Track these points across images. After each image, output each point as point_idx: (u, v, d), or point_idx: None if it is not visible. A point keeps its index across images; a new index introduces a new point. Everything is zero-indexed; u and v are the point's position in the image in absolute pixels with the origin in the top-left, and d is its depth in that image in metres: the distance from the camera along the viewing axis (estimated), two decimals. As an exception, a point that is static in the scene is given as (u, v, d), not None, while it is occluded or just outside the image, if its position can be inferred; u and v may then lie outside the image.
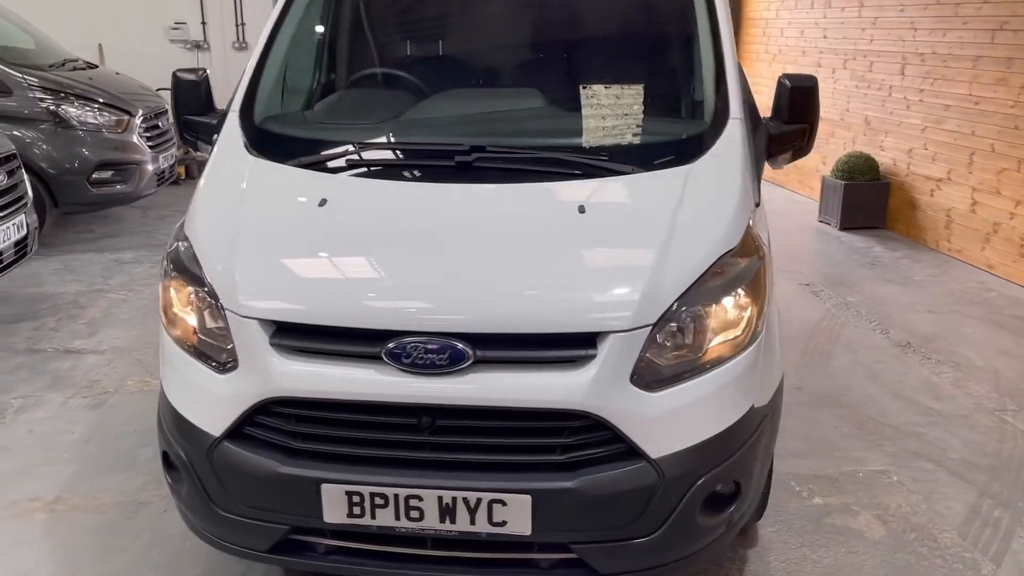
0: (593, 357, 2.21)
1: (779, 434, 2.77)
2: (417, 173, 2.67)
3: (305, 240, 2.45)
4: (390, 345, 2.20)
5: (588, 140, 2.78)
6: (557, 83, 3.23)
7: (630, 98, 2.88)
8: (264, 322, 2.30)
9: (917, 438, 3.90)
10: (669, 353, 2.29)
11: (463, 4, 3.60)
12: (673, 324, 2.28)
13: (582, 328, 2.23)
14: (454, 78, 3.34)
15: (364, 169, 2.70)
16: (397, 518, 2.26)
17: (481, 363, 2.21)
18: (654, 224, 2.43)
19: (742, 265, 2.44)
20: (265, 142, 2.82)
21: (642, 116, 2.92)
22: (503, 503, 2.22)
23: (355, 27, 3.53)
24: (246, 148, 2.79)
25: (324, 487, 2.25)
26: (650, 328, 2.24)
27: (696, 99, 2.94)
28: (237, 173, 2.74)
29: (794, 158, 3.17)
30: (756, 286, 2.46)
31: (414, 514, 2.25)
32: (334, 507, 2.26)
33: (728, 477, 2.39)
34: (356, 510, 2.26)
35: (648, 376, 2.26)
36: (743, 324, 2.40)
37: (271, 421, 2.30)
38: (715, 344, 2.34)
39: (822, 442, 3.86)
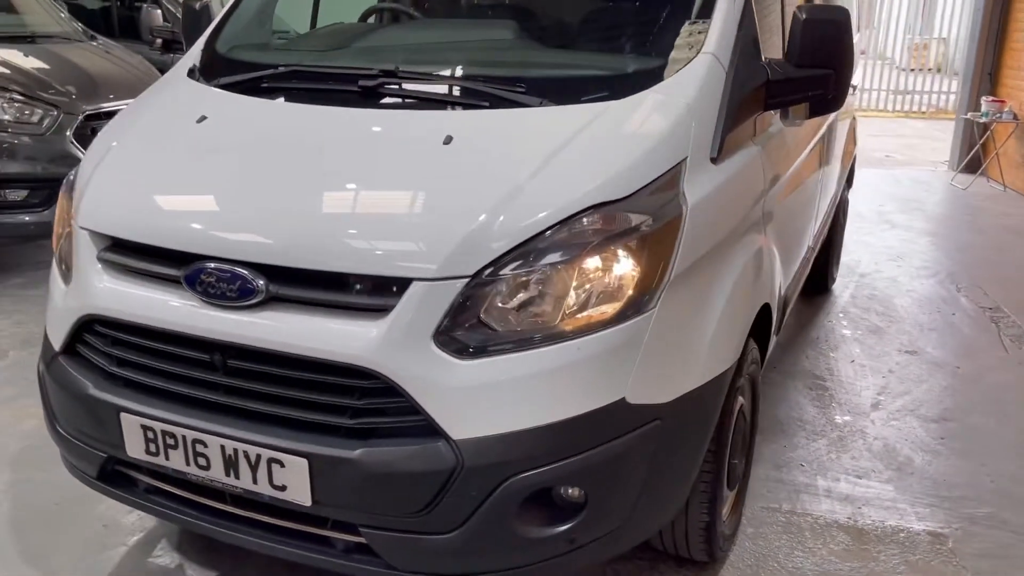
0: (392, 308, 1.84)
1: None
2: (315, 96, 2.40)
3: (158, 156, 2.29)
4: (188, 270, 1.98)
5: (517, 71, 2.37)
6: (533, 15, 2.81)
7: (583, 29, 2.42)
8: (95, 235, 2.17)
9: None
10: (492, 314, 1.85)
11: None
12: (502, 280, 1.85)
13: (381, 271, 1.86)
14: (435, 11, 3.03)
15: (276, 91, 2.48)
16: (187, 463, 2.03)
17: (277, 301, 1.93)
18: (518, 162, 1.99)
19: (631, 222, 1.93)
20: (206, 66, 2.70)
21: (593, 48, 2.46)
22: (281, 464, 1.92)
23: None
24: (188, 72, 2.68)
25: (123, 417, 2.08)
26: (466, 280, 1.83)
27: (667, 32, 2.40)
28: (156, 92, 2.65)
29: (815, 112, 2.51)
30: (652, 250, 1.94)
31: (201, 461, 2.01)
32: (133, 440, 2.08)
33: (565, 483, 1.91)
34: (152, 447, 2.07)
35: (459, 339, 1.85)
36: (617, 293, 1.90)
37: (94, 341, 2.18)
38: (563, 312, 1.87)
39: None
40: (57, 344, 2.25)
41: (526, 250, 1.85)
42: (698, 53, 2.25)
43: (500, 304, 1.86)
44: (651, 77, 2.22)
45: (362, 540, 1.96)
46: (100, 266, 2.15)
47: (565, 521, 1.93)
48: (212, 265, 1.95)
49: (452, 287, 1.83)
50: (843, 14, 2.35)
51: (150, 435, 2.05)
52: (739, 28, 2.34)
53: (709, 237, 2.12)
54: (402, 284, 1.84)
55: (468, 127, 2.15)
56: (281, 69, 2.50)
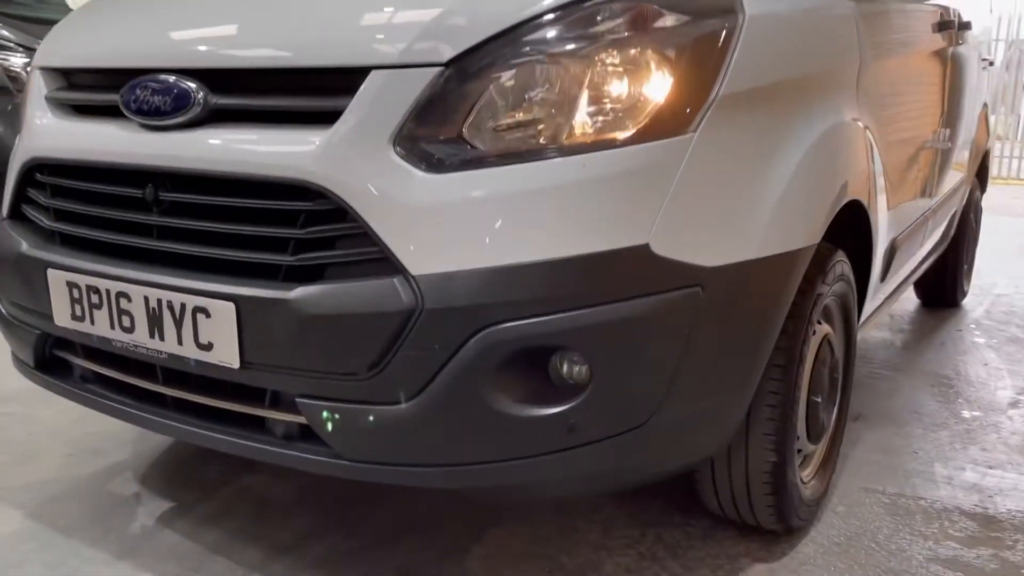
0: (342, 108, 1.44)
1: None
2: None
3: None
4: (124, 89, 1.65)
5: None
6: None
7: None
8: (46, 75, 1.89)
9: None
10: (472, 116, 1.42)
11: None
12: (487, 75, 1.42)
13: (333, 60, 1.47)
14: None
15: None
16: (112, 325, 1.66)
17: (218, 120, 1.57)
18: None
19: (664, 17, 1.48)
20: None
21: None
22: (207, 313, 1.52)
23: None
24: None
25: (50, 274, 1.74)
26: (439, 69, 1.41)
27: None
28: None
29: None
30: (691, 57, 1.48)
31: (125, 321, 1.64)
32: (60, 303, 1.74)
33: (561, 345, 1.42)
34: (77, 309, 1.71)
35: (428, 146, 1.42)
36: (641, 105, 1.44)
37: (35, 194, 1.86)
38: (569, 124, 1.43)
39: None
40: (4, 209, 1.95)
41: (522, 37, 1.43)
42: None
43: (483, 112, 1.43)
44: None
45: (304, 420, 1.52)
46: (47, 107, 1.85)
47: (560, 402, 1.44)
48: (147, 78, 1.61)
49: (419, 77, 1.41)
50: None
51: (75, 293, 1.70)
52: None
53: (776, 66, 1.65)
54: (358, 77, 1.44)
55: None
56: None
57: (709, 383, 1.57)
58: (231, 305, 1.48)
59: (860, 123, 1.99)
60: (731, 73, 1.52)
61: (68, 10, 5.62)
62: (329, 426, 1.48)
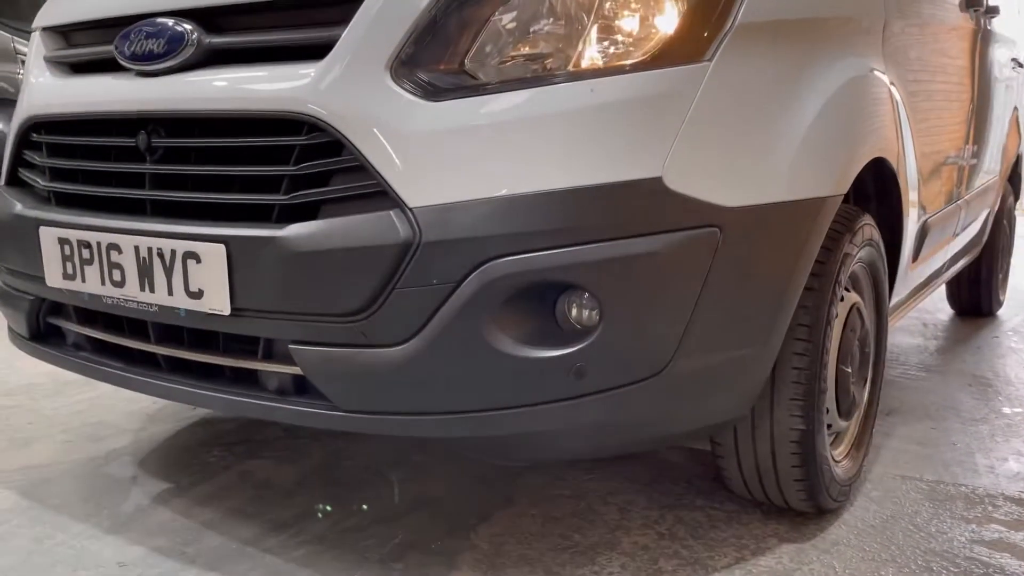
0: (335, 39, 1.38)
1: None
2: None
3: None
4: (119, 39, 1.60)
5: None
6: None
7: None
8: (45, 36, 1.86)
9: None
10: (475, 46, 1.35)
11: None
12: (484, 4, 1.36)
13: (326, -10, 1.41)
14: None
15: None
16: (102, 281, 1.60)
17: (213, 59, 1.52)
18: None
19: (676, -56, 1.41)
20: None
21: None
22: (197, 259, 1.45)
23: None
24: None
25: (42, 232, 1.68)
26: (436, -3, 1.35)
27: None
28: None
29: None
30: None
31: (116, 275, 1.57)
32: (51, 262, 1.68)
33: (567, 281, 1.33)
34: (68, 267, 1.65)
35: (427, 74, 1.35)
36: (652, 29, 1.37)
37: (31, 155, 1.81)
38: (576, 51, 1.35)
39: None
40: (3, 176, 1.90)
41: (523, -38, 1.36)
42: None
43: (486, 41, 1.36)
44: None
45: (297, 371, 1.43)
46: (45, 67, 1.82)
47: (568, 344, 1.34)
48: (141, 23, 1.57)
49: (415, 4, 1.35)
50: None
51: (66, 250, 1.64)
52: None
53: (797, 1, 1.57)
54: (353, 4, 1.37)
55: None
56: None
57: (728, 334, 1.47)
58: (221, 247, 1.41)
59: (887, 79, 1.90)
60: (749, 1, 1.44)
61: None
62: (324, 373, 1.39)
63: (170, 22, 1.53)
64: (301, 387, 1.46)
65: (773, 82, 1.50)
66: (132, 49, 1.56)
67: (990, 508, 1.95)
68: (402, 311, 1.32)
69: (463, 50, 1.36)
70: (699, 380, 1.46)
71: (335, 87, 1.36)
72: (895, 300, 2.32)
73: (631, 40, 1.37)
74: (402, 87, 1.34)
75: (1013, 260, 4.64)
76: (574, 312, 1.37)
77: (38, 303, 1.81)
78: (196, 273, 1.45)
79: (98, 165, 1.65)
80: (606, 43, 1.37)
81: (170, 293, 1.50)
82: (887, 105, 1.88)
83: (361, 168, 1.34)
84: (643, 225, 1.35)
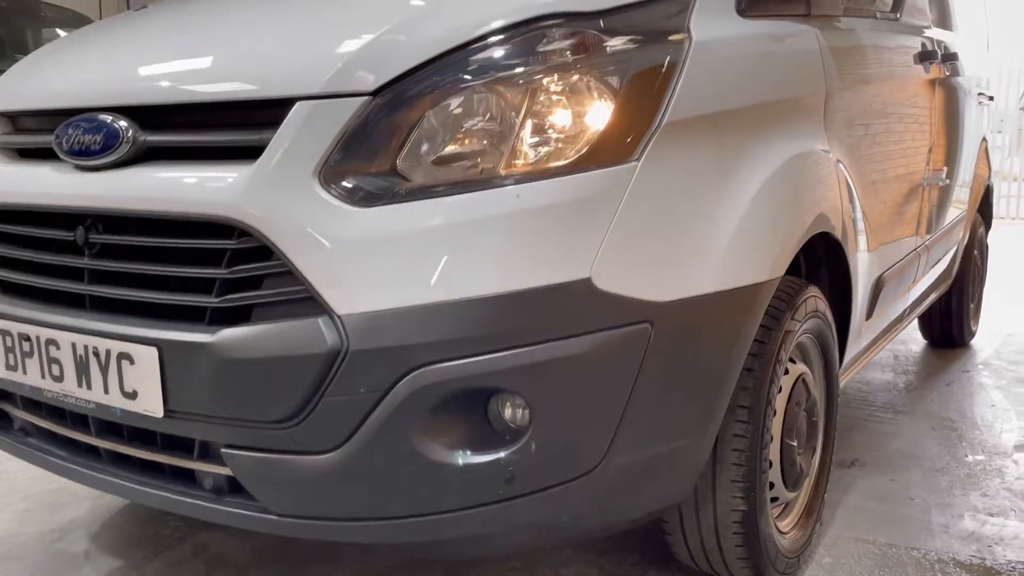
0: (266, 141, 1.39)
1: None
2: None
3: (70, 44, 1.96)
4: (58, 130, 1.60)
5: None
6: None
7: None
8: (-5, 117, 1.86)
9: None
10: (392, 150, 1.36)
11: None
12: (414, 107, 1.37)
13: (257, 92, 1.42)
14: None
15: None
16: (42, 375, 1.60)
17: (147, 158, 1.52)
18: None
19: (605, 42, 1.42)
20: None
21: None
22: (131, 360, 1.45)
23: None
24: None
25: (-16, 322, 1.68)
26: (366, 100, 1.36)
27: None
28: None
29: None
30: (633, 83, 1.42)
31: (55, 369, 1.57)
32: (-7, 352, 1.68)
33: (497, 386, 1.34)
34: (10, 358, 1.65)
35: (355, 179, 1.36)
36: (580, 132, 1.38)
37: (-25, 240, 1.82)
38: (504, 155, 1.36)
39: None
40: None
41: (454, 64, 1.37)
42: None
43: (415, 143, 1.37)
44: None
45: (227, 471, 1.43)
46: (-8, 151, 1.82)
47: (497, 448, 1.35)
48: (79, 118, 1.57)
49: (344, 108, 1.36)
50: None
51: (8, 341, 1.64)
52: None
53: (726, 94, 1.58)
54: (283, 109, 1.38)
55: None
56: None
57: (662, 427, 1.48)
58: (154, 351, 1.42)
59: (830, 154, 1.91)
60: (677, 100, 1.46)
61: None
62: (255, 478, 1.40)
63: (107, 118, 1.53)
64: (236, 487, 1.46)
65: (703, 174, 1.52)
66: (70, 144, 1.57)
67: (940, 575, 1.96)
68: (331, 419, 1.32)
69: (392, 151, 1.37)
70: (635, 473, 1.47)
71: (264, 192, 1.36)
72: (852, 354, 2.33)
73: (558, 143, 1.38)
74: (330, 193, 1.35)
75: (986, 288, 4.67)
76: (506, 413, 1.38)
77: (-17, 389, 1.81)
78: (130, 374, 1.46)
79: (39, 256, 1.65)
80: (533, 147, 1.37)
81: (106, 392, 1.50)
82: (830, 179, 1.90)
83: (291, 274, 1.34)
84: (573, 326, 1.35)
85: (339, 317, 1.31)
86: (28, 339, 1.60)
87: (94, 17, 10.37)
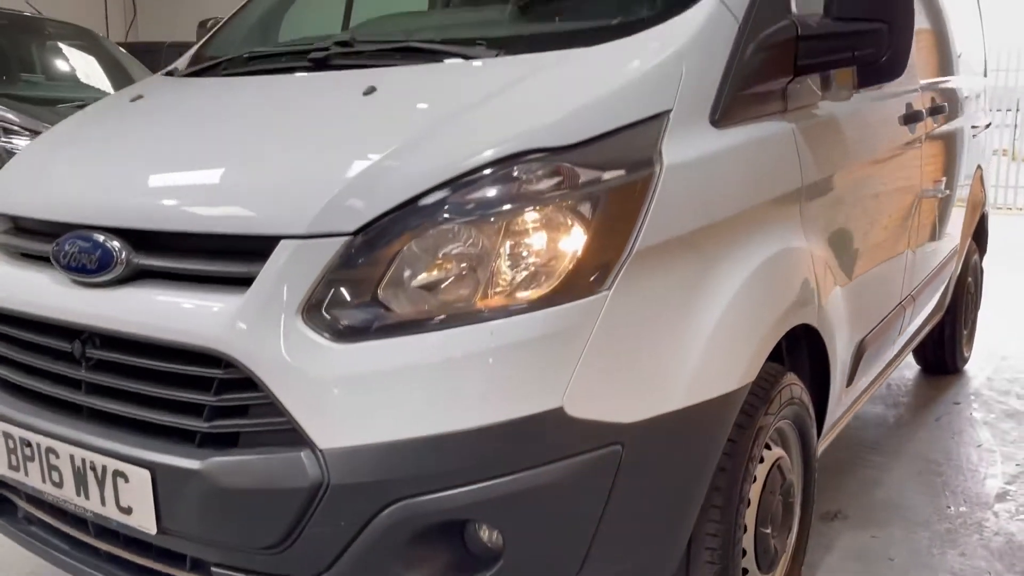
0: (254, 275, 1.45)
1: None
2: (265, 70, 2.08)
3: (73, 136, 2.03)
4: (56, 243, 1.67)
5: (474, 31, 2.00)
6: None
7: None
8: (-4, 217, 1.92)
9: None
10: (372, 284, 1.42)
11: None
12: (394, 244, 1.42)
13: (245, 228, 1.48)
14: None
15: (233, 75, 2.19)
16: (43, 479, 1.67)
17: (142, 278, 1.59)
18: (444, 105, 1.60)
19: (577, 177, 1.48)
20: (188, 65, 2.46)
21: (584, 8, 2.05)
22: (125, 478, 1.52)
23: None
24: (167, 72, 2.46)
25: (-12, 422, 1.75)
26: (347, 240, 1.42)
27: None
28: (123, 90, 2.43)
29: (866, 80, 1.99)
30: (604, 215, 1.47)
31: (55, 476, 1.65)
32: (-2, 450, 1.75)
33: (471, 517, 1.40)
34: (13, 459, 1.73)
35: (337, 316, 1.42)
36: (551, 267, 1.44)
37: (-21, 335, 1.89)
38: (479, 289, 1.42)
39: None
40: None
41: (430, 204, 1.43)
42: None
43: (399, 273, 1.43)
44: (642, 25, 1.79)
45: (218, 585, 1.51)
46: (-5, 251, 1.89)
47: (476, 570, 1.42)
48: (75, 234, 1.64)
49: (326, 248, 1.42)
50: (895, -47, 1.86)
51: (10, 444, 1.72)
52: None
53: (698, 212, 1.63)
54: (268, 243, 1.44)
55: (400, 78, 1.77)
56: (244, 54, 2.23)
57: (634, 541, 1.54)
58: (147, 473, 1.49)
59: (805, 246, 1.96)
60: (647, 227, 1.51)
61: (78, 88, 5.71)
62: (243, 597, 1.47)
63: (101, 238, 1.60)
64: (223, 602, 1.53)
65: (674, 295, 1.57)
66: (68, 260, 1.63)
67: (911, 651, 2.04)
68: (314, 547, 1.39)
69: (371, 288, 1.43)
70: (610, 583, 1.54)
71: (250, 327, 1.42)
72: (832, 420, 2.39)
73: (532, 277, 1.43)
74: (313, 330, 1.41)
75: (981, 312, 4.70)
76: (482, 537, 1.44)
77: (-12, 479, 1.88)
78: (125, 491, 1.53)
79: (39, 361, 1.72)
80: (508, 280, 1.43)
81: (103, 504, 1.57)
82: (806, 272, 1.95)
83: (275, 405, 1.41)
84: (546, 454, 1.42)
85: (321, 451, 1.38)
86: (29, 445, 1.67)
87: (99, 30, 10.41)
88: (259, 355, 1.41)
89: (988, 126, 4.55)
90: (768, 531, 1.91)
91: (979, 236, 4.45)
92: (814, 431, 2.12)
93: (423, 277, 1.44)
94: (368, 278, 1.43)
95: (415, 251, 1.43)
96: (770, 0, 1.87)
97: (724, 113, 1.73)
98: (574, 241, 1.45)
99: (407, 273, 1.44)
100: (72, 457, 1.60)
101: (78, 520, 1.72)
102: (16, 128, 4.74)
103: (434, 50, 1.85)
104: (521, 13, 2.09)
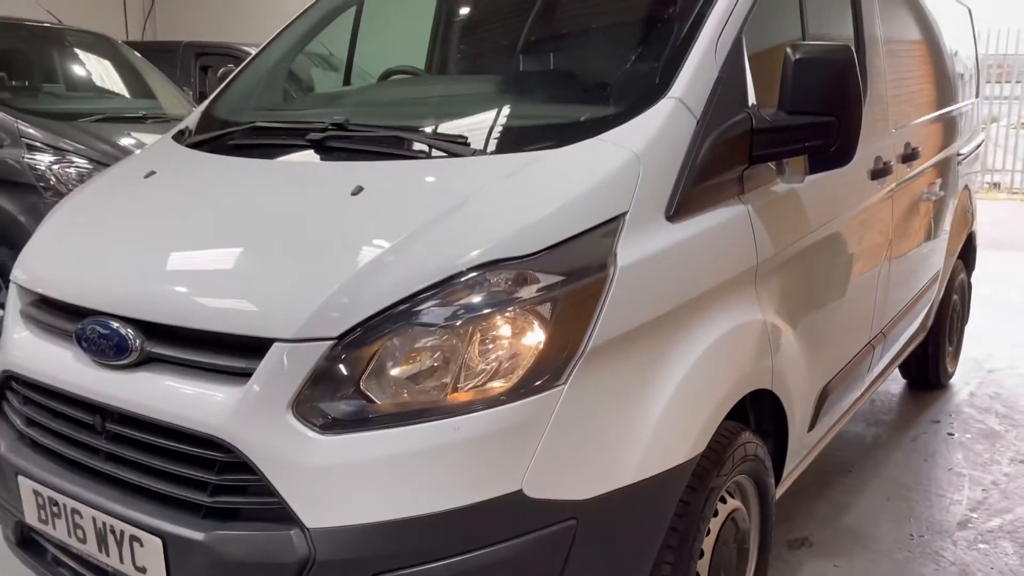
0: (252, 370, 1.65)
1: None
2: (266, 150, 2.27)
3: (91, 212, 2.23)
4: (81, 324, 1.87)
5: (455, 121, 2.18)
6: (506, 67, 2.62)
7: (538, 74, 2.21)
8: (21, 289, 2.13)
9: None
10: (354, 382, 1.62)
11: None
12: (373, 345, 1.62)
13: (242, 329, 1.68)
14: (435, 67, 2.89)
15: (239, 147, 2.37)
16: (68, 534, 1.89)
17: (153, 363, 1.79)
18: (420, 213, 1.78)
19: (537, 282, 1.66)
20: (196, 129, 2.66)
21: (557, 98, 2.23)
22: (140, 543, 1.74)
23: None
24: (176, 135, 2.65)
25: (20, 480, 1.97)
26: (331, 344, 1.61)
27: (636, 77, 2.14)
28: (138, 153, 2.63)
29: (816, 167, 2.15)
30: (561, 316, 1.66)
31: (79, 533, 1.87)
32: (28, 505, 1.97)
33: (439, 588, 1.61)
34: (42, 514, 1.95)
35: (323, 410, 1.62)
36: (512, 365, 1.62)
37: (11, 398, 2.10)
38: (435, 382, 1.62)
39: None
40: (-13, 404, 2.20)
41: (402, 312, 1.62)
42: (662, 98, 1.97)
43: (378, 370, 1.62)
44: (605, 124, 1.96)
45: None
46: (21, 320, 2.10)
47: (444, 639, 1.62)
48: (95, 320, 1.84)
49: (313, 351, 1.61)
50: (845, 53, 2.01)
51: (40, 500, 1.93)
52: (720, 70, 2.04)
53: (651, 305, 1.80)
54: (264, 344, 1.64)
55: (387, 177, 1.95)
56: (245, 127, 2.41)
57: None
58: (159, 540, 1.70)
59: (760, 318, 2.13)
60: (601, 324, 1.69)
61: (98, 99, 5.91)
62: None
63: (116, 325, 1.80)
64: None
65: (626, 381, 1.75)
66: (88, 344, 1.84)
67: None
68: (303, 615, 1.60)
69: (355, 381, 1.62)
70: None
71: (246, 419, 1.62)
72: (793, 464, 2.56)
73: (493, 376, 1.62)
74: (301, 423, 1.61)
75: (969, 327, 4.85)
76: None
77: (19, 522, 2.11)
78: (140, 553, 1.74)
79: (64, 428, 1.93)
80: (469, 380, 1.62)
81: (121, 562, 1.79)
82: (760, 343, 2.12)
83: (268, 488, 1.61)
84: (509, 531, 1.62)
85: (308, 531, 1.58)
86: (56, 504, 1.89)
87: (118, 23, 10.57)
88: (254, 444, 1.61)
89: (980, 145, 4.67)
90: (720, 578, 2.11)
91: (966, 255, 4.59)
92: (771, 480, 2.30)
93: (400, 371, 1.63)
94: (351, 375, 1.62)
95: (393, 350, 1.63)
96: (728, 96, 2.03)
97: (679, 208, 1.90)
98: (534, 339, 1.64)
99: (386, 367, 1.63)
100: (94, 519, 1.81)
101: (100, 571, 1.94)
102: (39, 145, 4.94)
103: (417, 143, 2.03)
104: (498, 105, 2.27)
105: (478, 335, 1.63)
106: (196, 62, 8.06)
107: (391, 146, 2.06)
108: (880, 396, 4.39)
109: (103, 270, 1.96)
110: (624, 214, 1.79)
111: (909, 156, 3.14)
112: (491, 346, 1.64)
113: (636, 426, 1.76)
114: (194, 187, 2.18)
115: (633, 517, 1.78)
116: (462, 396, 1.62)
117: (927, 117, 3.51)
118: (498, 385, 1.62)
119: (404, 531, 1.57)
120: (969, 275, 4.75)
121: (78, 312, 1.90)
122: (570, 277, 1.69)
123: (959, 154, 4.07)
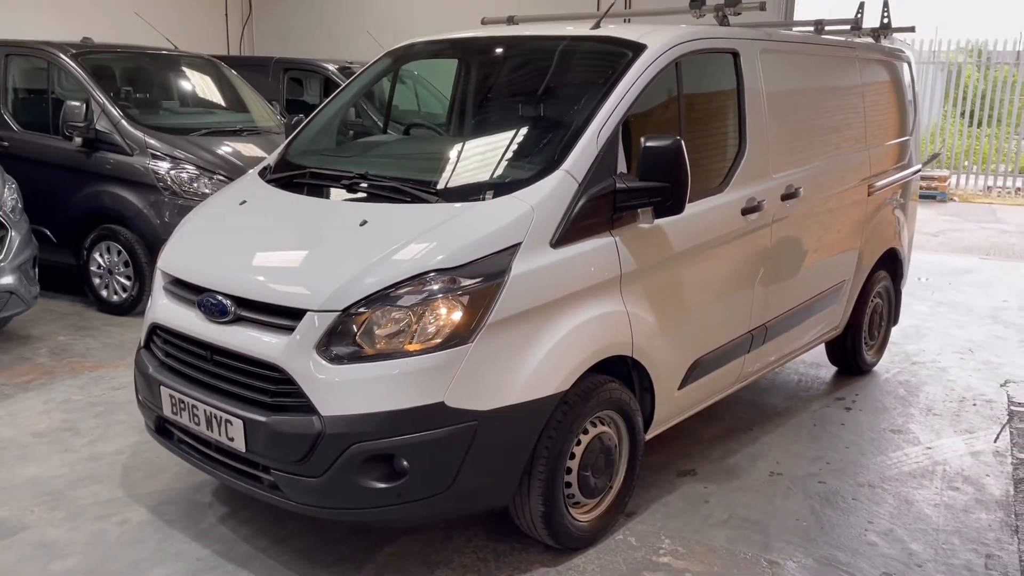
0: (295, 327, 2.91)
1: None
2: (314, 189, 3.56)
3: (205, 225, 3.55)
4: (199, 296, 3.18)
5: (432, 177, 3.42)
6: (479, 132, 3.86)
7: (488, 148, 3.43)
8: (162, 273, 3.46)
9: None
10: (352, 336, 2.87)
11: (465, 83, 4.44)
12: (361, 315, 2.87)
13: (291, 303, 2.95)
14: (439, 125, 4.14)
15: (298, 184, 3.66)
16: (191, 420, 3.20)
17: (241, 319, 3.07)
18: (396, 238, 3.00)
19: (460, 282, 2.88)
20: (274, 167, 3.95)
21: (498, 162, 3.44)
22: (230, 422, 3.03)
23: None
24: (261, 171, 3.95)
25: (162, 389, 3.29)
26: (339, 313, 2.87)
27: (545, 154, 3.33)
28: (234, 183, 3.96)
29: (660, 214, 3.29)
30: (473, 303, 2.87)
31: (196, 419, 3.17)
32: (166, 404, 3.29)
33: (393, 453, 2.85)
34: (174, 408, 3.26)
35: (332, 350, 2.88)
36: (443, 330, 2.85)
37: (156, 340, 3.43)
38: (399, 338, 2.85)
39: None
40: (141, 342, 3.53)
41: (381, 296, 2.86)
42: (556, 169, 3.16)
43: (366, 330, 2.87)
44: (521, 185, 3.16)
45: (271, 477, 3.01)
46: (164, 293, 3.42)
47: (394, 480, 2.87)
48: (208, 294, 3.14)
49: (329, 317, 2.87)
50: (676, 143, 3.15)
51: (173, 400, 3.25)
52: (599, 151, 3.21)
53: (533, 298, 3.00)
54: (302, 312, 2.91)
55: (382, 215, 3.19)
56: (306, 171, 3.70)
57: (484, 472, 2.97)
58: (241, 421, 2.98)
59: (623, 309, 3.29)
60: (497, 308, 2.90)
61: (205, 115, 7.33)
62: (285, 484, 2.96)
63: (220, 297, 3.09)
64: (276, 487, 3.01)
65: (514, 344, 2.95)
66: (203, 308, 3.14)
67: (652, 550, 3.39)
68: (317, 463, 2.85)
69: (353, 336, 2.87)
70: (473, 492, 2.96)
71: (292, 354, 2.89)
72: (669, 410, 3.72)
73: (432, 335, 2.84)
74: (321, 357, 2.86)
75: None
76: (400, 463, 2.88)
77: (159, 416, 3.43)
78: (230, 429, 3.03)
79: (188, 358, 3.24)
80: (420, 335, 2.85)
81: (219, 434, 3.08)
82: (621, 326, 3.28)
83: (302, 392, 2.88)
84: (434, 424, 2.84)
85: (322, 417, 2.84)
86: (182, 402, 3.20)
87: (221, 42, 12.02)
88: (295, 368, 2.88)
89: (914, 173, 5.63)
90: (588, 474, 3.30)
91: (890, 266, 5.56)
92: (639, 418, 3.48)
93: (380, 331, 2.87)
94: (350, 332, 2.87)
95: (376, 319, 2.87)
96: (602, 168, 3.21)
97: (561, 239, 3.09)
98: (457, 316, 2.86)
99: (372, 329, 2.87)
100: (205, 411, 3.11)
101: (206, 442, 3.24)
102: (159, 154, 6.37)
103: (406, 192, 3.27)
104: (460, 165, 3.50)
105: (426, 312, 2.86)
106: (284, 76, 9.48)
107: (389, 192, 3.31)
108: (806, 377, 5.45)
109: (213, 263, 3.26)
110: (519, 243, 2.99)
111: (789, 195, 4.23)
112: (431, 319, 2.86)
113: (520, 369, 2.97)
114: (269, 213, 3.47)
115: (515, 424, 2.99)
116: (413, 347, 2.85)
117: (821, 161, 4.56)
118: (434, 341, 2.85)
119: (374, 419, 2.82)
120: (896, 283, 5.72)
121: (198, 289, 3.21)
122: (482, 280, 2.90)
123: (871, 187, 5.07)
